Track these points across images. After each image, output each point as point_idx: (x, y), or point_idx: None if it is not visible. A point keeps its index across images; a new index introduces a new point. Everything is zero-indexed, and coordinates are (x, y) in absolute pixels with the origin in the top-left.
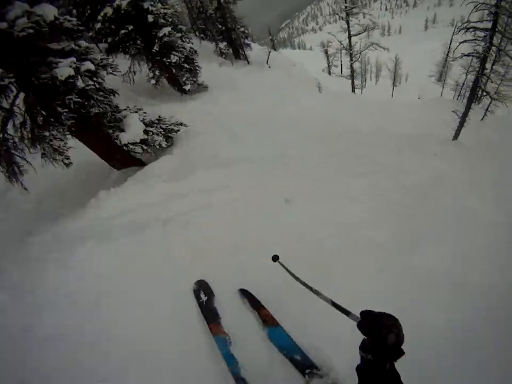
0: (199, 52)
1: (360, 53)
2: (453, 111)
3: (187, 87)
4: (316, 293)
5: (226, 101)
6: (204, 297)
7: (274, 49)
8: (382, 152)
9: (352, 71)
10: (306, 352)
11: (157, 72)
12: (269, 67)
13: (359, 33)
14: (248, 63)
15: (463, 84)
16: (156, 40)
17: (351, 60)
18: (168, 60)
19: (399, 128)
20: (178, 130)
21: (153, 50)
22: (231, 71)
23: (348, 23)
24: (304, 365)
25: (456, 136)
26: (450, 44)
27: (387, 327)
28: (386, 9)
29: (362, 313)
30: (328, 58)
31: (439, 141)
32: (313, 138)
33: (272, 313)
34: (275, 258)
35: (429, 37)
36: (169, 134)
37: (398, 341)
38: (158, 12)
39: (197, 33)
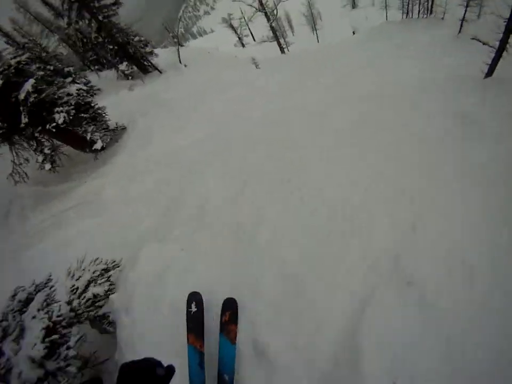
0: (101, 86)
1: (276, 9)
2: (474, 39)
3: (98, 145)
4: None
5: (164, 134)
6: (194, 308)
7: (181, 45)
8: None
9: (274, 31)
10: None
11: (46, 150)
12: (185, 66)
13: None
14: (161, 72)
15: None
16: (21, 108)
17: (269, 20)
18: (54, 124)
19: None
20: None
21: (22, 124)
22: (146, 90)
23: None
24: None
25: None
26: None
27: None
28: None
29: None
30: (236, 31)
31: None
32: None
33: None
34: None
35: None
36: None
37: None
38: (6, 67)
39: (91, 67)
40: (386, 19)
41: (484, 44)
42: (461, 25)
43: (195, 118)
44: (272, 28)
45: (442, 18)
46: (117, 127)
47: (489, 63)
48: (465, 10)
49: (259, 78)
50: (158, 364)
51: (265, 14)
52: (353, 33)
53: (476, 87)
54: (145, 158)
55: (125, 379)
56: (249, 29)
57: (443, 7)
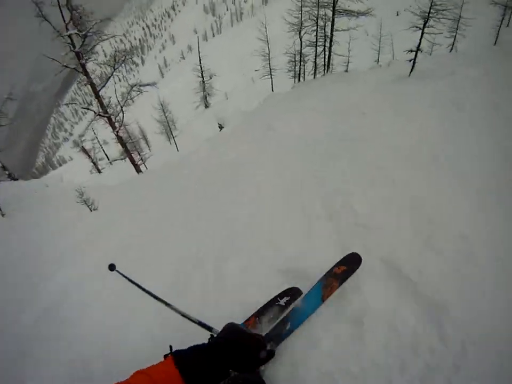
0: None
1: (122, 110)
2: None
3: None
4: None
5: None
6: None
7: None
8: None
9: (123, 143)
10: None
11: None
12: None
13: None
14: None
15: None
16: None
17: (114, 128)
18: None
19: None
20: None
21: None
22: None
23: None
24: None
25: None
26: None
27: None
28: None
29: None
30: (89, 155)
31: None
32: None
33: None
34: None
35: (169, 80)
36: None
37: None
38: None
39: None
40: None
41: None
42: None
43: None
44: (119, 138)
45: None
46: None
47: None
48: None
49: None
50: (263, 346)
51: (109, 119)
52: (220, 128)
53: None
54: None
55: (228, 345)
56: (102, 149)
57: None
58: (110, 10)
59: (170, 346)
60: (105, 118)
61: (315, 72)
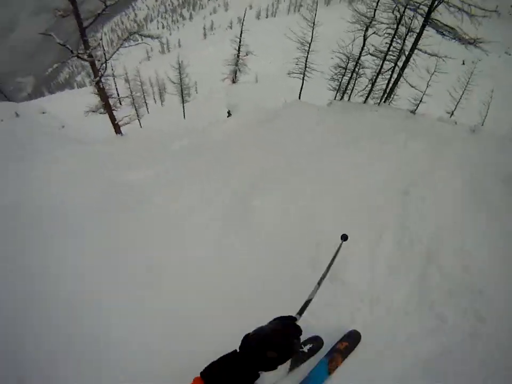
0: None
1: (106, 61)
2: None
3: None
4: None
5: None
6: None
7: None
8: None
9: (104, 95)
10: None
11: None
12: None
13: None
14: None
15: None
16: None
17: (96, 75)
18: None
19: None
20: None
21: None
22: None
23: None
24: None
25: None
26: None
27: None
28: (163, 27)
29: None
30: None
31: None
32: None
33: None
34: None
35: (210, 43)
36: None
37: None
38: None
39: None
40: (300, 97)
41: None
42: None
43: None
44: (99, 89)
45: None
46: None
47: None
48: None
49: None
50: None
51: (92, 64)
52: (228, 114)
53: None
54: None
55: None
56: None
57: None
58: None
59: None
60: (87, 61)
61: (369, 95)
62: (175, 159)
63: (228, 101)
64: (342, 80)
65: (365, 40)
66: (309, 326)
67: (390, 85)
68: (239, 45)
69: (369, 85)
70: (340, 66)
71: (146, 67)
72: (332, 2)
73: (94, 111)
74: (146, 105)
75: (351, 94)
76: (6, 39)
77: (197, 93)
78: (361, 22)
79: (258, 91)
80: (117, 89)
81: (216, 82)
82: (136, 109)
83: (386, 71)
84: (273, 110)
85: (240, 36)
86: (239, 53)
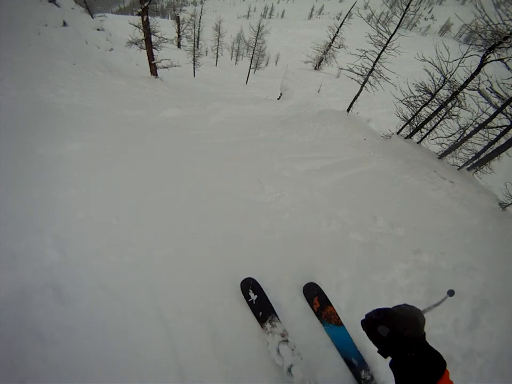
0: None
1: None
2: None
3: None
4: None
5: None
6: (253, 296)
7: None
8: None
9: (147, 35)
10: (363, 354)
11: None
12: None
13: None
14: None
15: None
16: None
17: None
18: None
19: None
20: None
21: None
22: None
23: None
24: (360, 368)
25: None
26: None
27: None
28: None
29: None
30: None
31: None
32: None
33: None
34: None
35: (312, 24)
36: None
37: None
38: None
39: None
40: (350, 109)
41: None
42: None
43: None
44: (142, 21)
45: None
46: None
47: None
48: None
49: None
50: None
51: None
52: (280, 96)
53: None
54: None
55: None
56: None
57: None
58: None
59: None
60: None
61: (452, 150)
62: None
63: (285, 83)
64: (419, 110)
65: (481, 66)
66: None
67: (490, 150)
68: (335, 34)
69: (458, 135)
70: (425, 89)
71: (241, 25)
72: None
73: (135, 43)
74: (216, 57)
75: (427, 135)
76: None
77: (276, 65)
78: (483, 37)
79: (329, 87)
80: (179, 29)
81: (297, 63)
82: (194, 58)
83: (493, 128)
84: (310, 114)
85: (340, 27)
86: (332, 43)
